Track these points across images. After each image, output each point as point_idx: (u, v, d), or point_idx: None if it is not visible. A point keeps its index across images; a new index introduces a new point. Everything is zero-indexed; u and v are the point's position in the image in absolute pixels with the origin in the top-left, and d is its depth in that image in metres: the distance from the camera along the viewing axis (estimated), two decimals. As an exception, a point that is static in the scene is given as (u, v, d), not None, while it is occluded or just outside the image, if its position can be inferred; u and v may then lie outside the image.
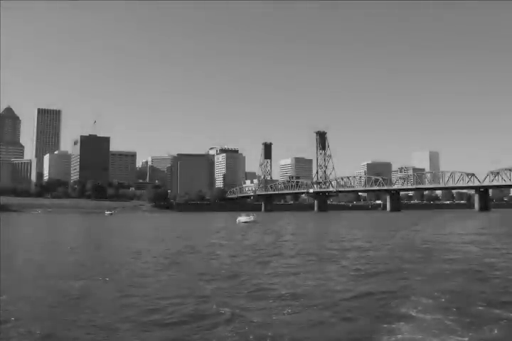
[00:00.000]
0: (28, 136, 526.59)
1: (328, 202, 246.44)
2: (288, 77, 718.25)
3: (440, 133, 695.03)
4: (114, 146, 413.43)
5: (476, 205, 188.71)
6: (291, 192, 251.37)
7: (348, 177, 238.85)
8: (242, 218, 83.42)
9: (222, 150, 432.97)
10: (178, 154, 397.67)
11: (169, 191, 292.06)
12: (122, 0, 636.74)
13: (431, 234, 47.31)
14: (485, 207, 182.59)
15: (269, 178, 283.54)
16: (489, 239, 38.59)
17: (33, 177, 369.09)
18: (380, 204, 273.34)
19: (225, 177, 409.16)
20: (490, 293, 15.26)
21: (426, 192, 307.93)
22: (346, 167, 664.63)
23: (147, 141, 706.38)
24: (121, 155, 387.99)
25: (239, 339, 10.77)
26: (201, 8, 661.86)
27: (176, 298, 14.91)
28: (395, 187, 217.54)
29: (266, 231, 57.49)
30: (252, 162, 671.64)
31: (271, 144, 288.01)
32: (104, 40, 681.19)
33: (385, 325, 11.74)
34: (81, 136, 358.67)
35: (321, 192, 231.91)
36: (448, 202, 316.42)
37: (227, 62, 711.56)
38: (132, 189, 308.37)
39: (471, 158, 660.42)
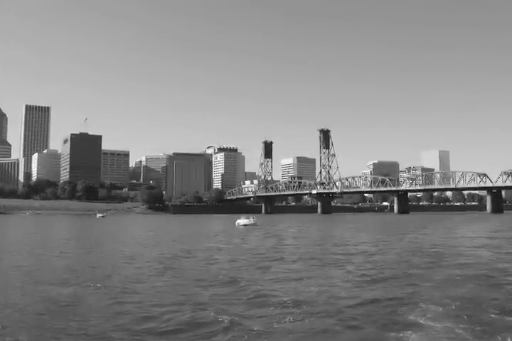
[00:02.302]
0: (15, 134, 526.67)
1: (332, 204, 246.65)
2: (290, 72, 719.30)
3: (450, 131, 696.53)
4: (106, 145, 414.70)
5: (488, 207, 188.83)
6: (293, 193, 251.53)
7: (353, 178, 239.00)
8: (242, 221, 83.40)
9: (221, 149, 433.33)
10: (173, 153, 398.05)
11: (164, 192, 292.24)
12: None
13: (440, 237, 47.33)
14: (497, 209, 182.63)
15: (269, 179, 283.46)
16: (502, 243, 38.62)
17: (21, 178, 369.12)
18: (386, 206, 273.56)
19: (223, 177, 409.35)
20: (503, 300, 15.27)
21: (435, 194, 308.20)
22: (351, 167, 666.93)
23: (141, 140, 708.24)
24: (114, 154, 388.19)
25: (238, 349, 10.78)
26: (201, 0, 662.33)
27: (172, 305, 14.92)
28: (403, 188, 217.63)
29: (266, 234, 57.50)
30: (252, 161, 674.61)
31: (272, 143, 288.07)
32: (95, 34, 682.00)
33: (393, 334, 11.75)
34: (71, 134, 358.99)
35: (325, 193, 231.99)
36: (459, 203, 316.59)
37: (225, 57, 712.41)
38: (125, 190, 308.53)
39: (483, 158, 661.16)
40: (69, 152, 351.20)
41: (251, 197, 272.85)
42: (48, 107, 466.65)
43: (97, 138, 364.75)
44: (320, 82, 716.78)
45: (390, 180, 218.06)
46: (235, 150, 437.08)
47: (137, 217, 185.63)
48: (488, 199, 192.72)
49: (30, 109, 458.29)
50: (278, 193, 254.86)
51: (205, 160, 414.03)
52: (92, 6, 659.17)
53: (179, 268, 24.15)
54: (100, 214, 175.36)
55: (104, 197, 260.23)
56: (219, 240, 47.20)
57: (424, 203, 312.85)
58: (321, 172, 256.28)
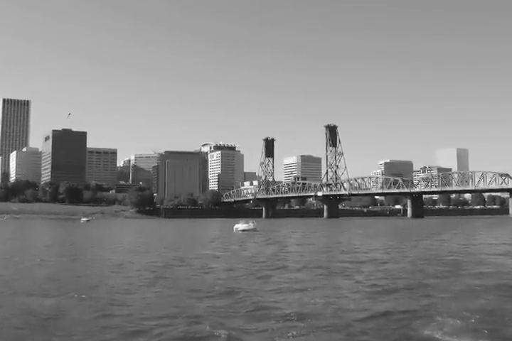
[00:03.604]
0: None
1: (340, 207, 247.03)
2: (293, 64, 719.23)
3: (469, 127, 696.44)
4: (92, 143, 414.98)
5: (511, 211, 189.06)
6: (296, 195, 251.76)
7: (362, 179, 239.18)
8: (240, 225, 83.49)
9: (217, 147, 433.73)
10: (165, 151, 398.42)
11: (155, 194, 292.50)
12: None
13: (458, 244, 47.36)
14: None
15: (271, 179, 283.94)
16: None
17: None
18: (399, 210, 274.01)
19: (220, 178, 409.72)
20: (527, 313, 15.25)
21: (453, 196, 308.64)
22: (361, 166, 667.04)
23: (130, 137, 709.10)
24: (100, 152, 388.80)
25: (236, 366, 10.79)
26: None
27: (164, 318, 14.91)
28: (417, 189, 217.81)
29: (267, 240, 57.58)
30: (252, 160, 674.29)
31: (273, 140, 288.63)
32: (81, 22, 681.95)
33: (406, 350, 11.75)
34: (53, 131, 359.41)
35: (332, 195, 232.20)
36: (478, 207, 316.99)
37: (223, 47, 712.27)
38: (112, 192, 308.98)
39: (504, 156, 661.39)
40: (51, 150, 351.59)
41: (250, 199, 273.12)
42: (27, 101, 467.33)
43: (82, 135, 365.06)
44: (325, 74, 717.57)
45: (403, 181, 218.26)
46: (233, 148, 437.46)
47: (126, 221, 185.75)
48: (511, 202, 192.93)
49: (8, 103, 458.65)
50: (280, 195, 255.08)
51: (200, 159, 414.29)
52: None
53: (172, 277, 24.15)
54: (85, 219, 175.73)
55: (90, 200, 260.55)
56: (215, 247, 47.23)
57: (441, 206, 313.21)
58: (327, 173, 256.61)
